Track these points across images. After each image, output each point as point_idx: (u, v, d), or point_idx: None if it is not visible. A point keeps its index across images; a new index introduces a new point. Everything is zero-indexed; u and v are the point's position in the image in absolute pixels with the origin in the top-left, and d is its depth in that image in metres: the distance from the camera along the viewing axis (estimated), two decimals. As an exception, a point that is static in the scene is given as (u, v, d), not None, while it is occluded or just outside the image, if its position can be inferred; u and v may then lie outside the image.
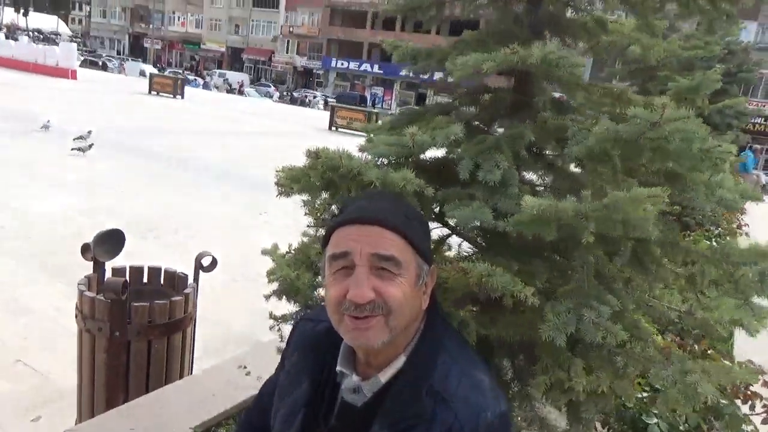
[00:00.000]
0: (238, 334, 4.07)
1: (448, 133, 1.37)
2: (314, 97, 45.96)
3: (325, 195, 1.50)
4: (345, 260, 0.95)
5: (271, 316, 1.90)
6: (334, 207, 1.61)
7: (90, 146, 8.90)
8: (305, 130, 18.00)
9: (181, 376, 2.52)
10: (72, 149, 8.78)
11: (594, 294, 1.30)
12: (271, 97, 43.83)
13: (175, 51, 67.78)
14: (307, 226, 1.83)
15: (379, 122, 2.08)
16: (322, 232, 1.79)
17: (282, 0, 60.92)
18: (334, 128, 18.63)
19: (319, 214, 1.67)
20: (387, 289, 0.93)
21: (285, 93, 47.66)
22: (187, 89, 23.90)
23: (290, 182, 1.53)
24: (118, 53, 66.47)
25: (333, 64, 56.02)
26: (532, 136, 1.46)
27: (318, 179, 1.38)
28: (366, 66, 54.14)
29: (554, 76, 1.41)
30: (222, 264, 4.97)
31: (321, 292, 1.92)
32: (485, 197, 1.36)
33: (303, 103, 42.96)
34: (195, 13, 67.04)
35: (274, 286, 1.95)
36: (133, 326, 2.32)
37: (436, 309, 1.08)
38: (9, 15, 65.92)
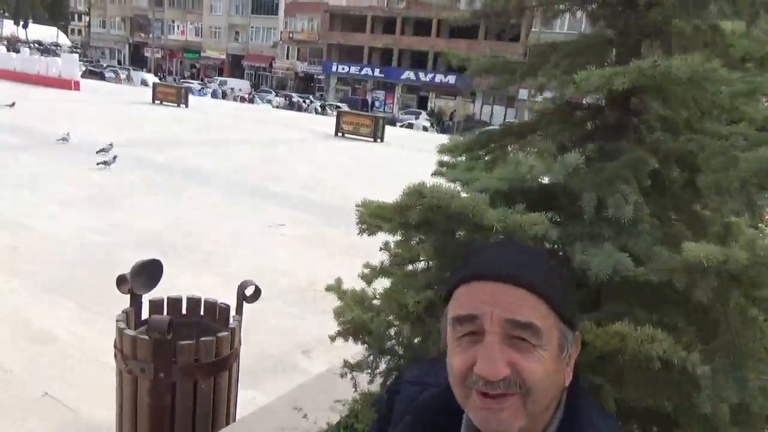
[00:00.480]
0: (270, 358, 3.88)
1: (566, 163, 1.19)
2: (311, 102, 46.22)
3: (416, 235, 1.33)
4: (472, 324, 0.78)
5: (346, 364, 1.71)
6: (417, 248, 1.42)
7: (114, 158, 8.79)
8: (312, 136, 17.84)
9: (227, 418, 2.34)
10: (98, 163, 8.67)
11: (748, 351, 1.12)
12: (270, 102, 43.96)
13: (176, 59, 67.82)
14: (394, 265, 1.64)
15: (446, 142, 1.89)
16: (406, 270, 1.61)
17: (281, 6, 60.99)
18: (340, 134, 18.47)
19: (414, 257, 1.48)
20: (525, 365, 0.75)
21: (285, 98, 47.80)
22: (191, 98, 23.75)
23: (377, 220, 1.34)
24: (119, 63, 66.46)
25: (334, 68, 55.99)
26: (656, 163, 1.28)
27: (417, 219, 1.20)
28: (367, 70, 54.11)
29: (687, 94, 1.22)
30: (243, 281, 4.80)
31: (392, 331, 1.74)
32: (611, 236, 1.18)
33: (300, 108, 43.11)
34: (194, 22, 67.14)
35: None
36: (179, 366, 2.14)
37: (578, 381, 0.89)
38: (9, 27, 66.01)
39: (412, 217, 1.18)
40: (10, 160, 8.89)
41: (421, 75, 50.77)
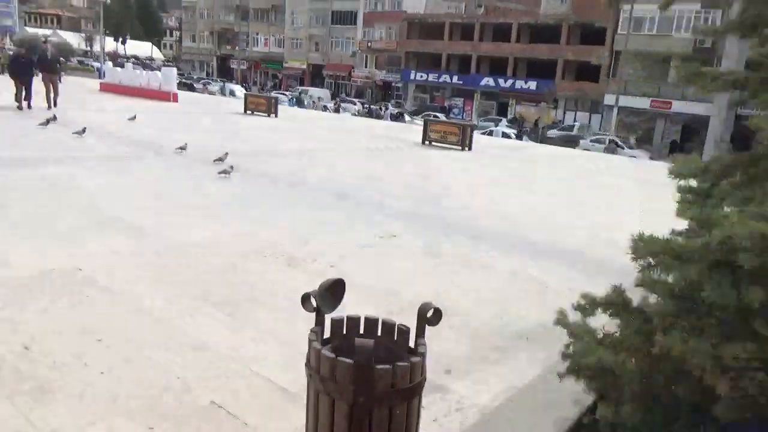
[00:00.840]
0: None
1: None
2: (386, 108, 46.89)
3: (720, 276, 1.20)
4: None
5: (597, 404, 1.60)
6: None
7: (232, 168, 9.12)
8: (399, 145, 17.90)
9: (416, 445, 2.29)
10: (219, 172, 9.02)
11: None
12: (346, 110, 44.88)
13: (260, 70, 70.53)
14: (679, 306, 1.51)
15: (679, 165, 1.74)
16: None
17: (360, 16, 62.11)
18: (427, 142, 18.43)
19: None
20: None
21: (363, 106, 48.62)
22: (280, 107, 24.46)
23: (669, 258, 1.23)
24: (207, 74, 70.04)
25: (412, 76, 56.23)
26: None
27: (754, 262, 1.08)
28: (445, 77, 53.98)
29: None
30: (366, 296, 4.79)
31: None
32: None
33: (378, 116, 43.72)
34: (277, 34, 69.60)
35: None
36: (377, 391, 2.11)
37: None
38: (110, 44, 71.10)
39: (745, 261, 1.06)
40: (139, 171, 9.44)
41: (501, 81, 50.05)
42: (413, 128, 26.46)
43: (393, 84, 58.64)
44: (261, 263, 5.43)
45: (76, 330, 3.79)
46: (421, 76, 55.69)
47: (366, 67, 61.34)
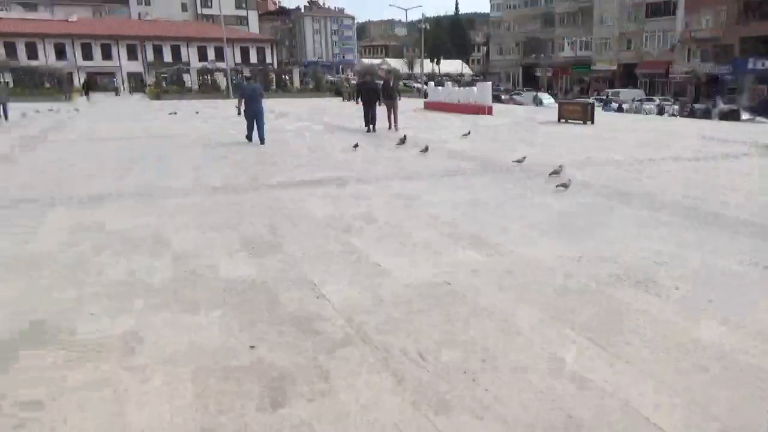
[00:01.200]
0: None
1: None
2: (714, 105, 40.67)
3: None
4: None
5: None
6: None
7: (570, 181, 8.99)
8: (745, 149, 15.17)
9: None
10: (557, 186, 9.00)
11: None
12: (666, 112, 40.36)
13: (566, 76, 69.04)
14: None
15: None
16: None
17: (680, 4, 55.60)
18: (786, 145, 15.20)
19: None
20: None
21: (686, 106, 43.29)
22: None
23: None
24: (513, 85, 71.69)
25: (750, 65, 47.83)
26: None
27: None
28: (798, 62, 44.41)
29: None
30: (745, 342, 3.88)
31: None
32: None
33: (706, 114, 38.17)
34: (583, 36, 67.15)
35: None
36: None
37: None
38: (426, 66, 78.86)
39: None
40: (478, 185, 9.79)
41: None
42: (759, 129, 22.33)
43: (722, 77, 50.74)
44: (617, 288, 5.05)
45: (460, 346, 4.02)
46: (763, 65, 46.87)
47: (688, 60, 54.50)
